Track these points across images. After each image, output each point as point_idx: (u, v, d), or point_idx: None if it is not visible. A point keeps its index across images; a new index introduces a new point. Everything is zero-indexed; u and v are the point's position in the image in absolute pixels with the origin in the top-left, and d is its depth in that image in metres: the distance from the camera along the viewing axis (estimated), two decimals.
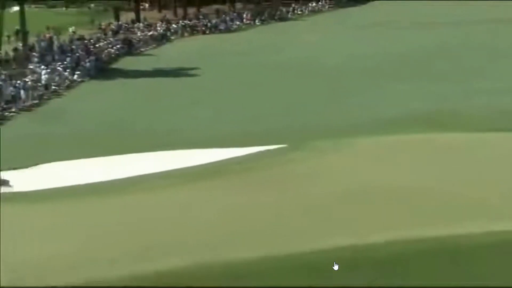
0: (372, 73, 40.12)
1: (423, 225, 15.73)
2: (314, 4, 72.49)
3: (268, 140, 26.26)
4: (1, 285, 8.47)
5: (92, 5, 66.02)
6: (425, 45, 47.35)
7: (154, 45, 55.11)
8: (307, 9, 71.08)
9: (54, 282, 13.65)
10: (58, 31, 54.28)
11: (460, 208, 16.83)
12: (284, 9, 70.09)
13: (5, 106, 35.35)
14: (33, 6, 67.74)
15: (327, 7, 72.20)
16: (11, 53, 46.23)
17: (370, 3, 73.56)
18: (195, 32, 60.61)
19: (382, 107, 32.45)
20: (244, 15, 66.53)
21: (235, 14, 67.05)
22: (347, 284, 12.98)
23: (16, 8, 53.15)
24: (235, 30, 62.50)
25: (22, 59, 45.39)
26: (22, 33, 49.03)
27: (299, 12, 70.10)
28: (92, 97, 38.69)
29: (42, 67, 41.87)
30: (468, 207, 16.81)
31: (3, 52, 46.14)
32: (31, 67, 42.54)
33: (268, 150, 24.89)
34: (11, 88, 37.14)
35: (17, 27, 50.18)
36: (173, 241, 15.82)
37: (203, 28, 61.47)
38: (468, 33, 51.30)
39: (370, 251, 14.57)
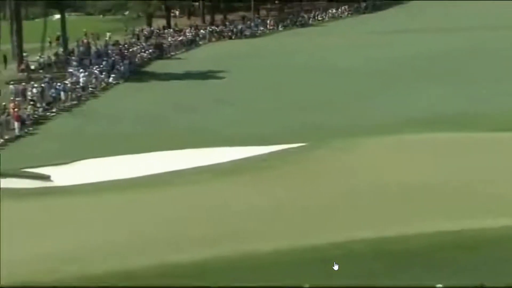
0: (384, 75, 39.81)
1: (438, 219, 15.63)
2: (334, 11, 72.01)
3: (290, 139, 26.23)
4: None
5: (127, 12, 66.19)
6: (434, 48, 46.44)
7: (183, 50, 55.24)
8: (327, 15, 70.65)
9: (97, 267, 13.80)
10: (96, 37, 54.75)
11: (478, 203, 16.73)
12: (305, 16, 69.80)
13: (47, 106, 35.68)
14: (73, 14, 68.36)
15: (346, 13, 71.69)
16: (53, 58, 46.72)
17: (387, 10, 73.00)
18: (222, 37, 60.61)
19: (394, 107, 32.25)
20: (268, 22, 66.44)
21: (259, 20, 66.95)
22: (366, 273, 12.93)
23: (57, 16, 53.73)
24: (259, 35, 62.41)
25: (62, 63, 45.84)
26: (63, 39, 49.53)
27: (320, 19, 69.68)
28: (126, 98, 38.91)
29: (81, 70, 42.20)
30: (485, 203, 16.71)
31: (45, 56, 46.64)
32: (71, 70, 42.86)
33: (290, 148, 24.91)
34: (52, 90, 37.48)
35: (58, 33, 50.69)
36: (199, 232, 15.93)
37: (230, 34, 61.47)
38: (483, 38, 50.16)
39: (384, 244, 14.51)
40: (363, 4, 74.72)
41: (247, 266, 13.74)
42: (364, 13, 72.10)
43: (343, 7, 73.06)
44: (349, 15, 71.41)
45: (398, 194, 17.98)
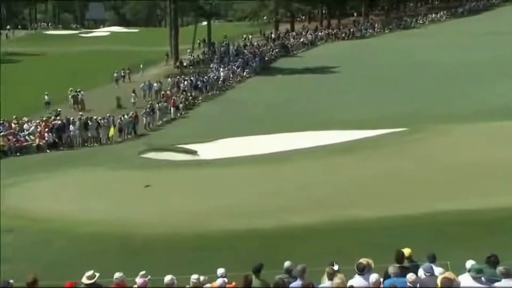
0: (473, 72, 37.39)
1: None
2: (433, 15, 68.95)
3: (393, 124, 25.44)
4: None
5: (264, 18, 66.56)
6: None
7: (304, 49, 55.06)
8: (427, 19, 67.71)
9: (225, 225, 14.11)
10: (235, 39, 55.73)
11: None
12: (408, 19, 67.34)
13: (194, 95, 36.81)
14: (216, 21, 69.86)
15: (444, 17, 68.31)
16: (200, 56, 48.14)
17: (481, 14, 68.64)
18: (336, 38, 59.81)
19: (480, 99, 30.18)
20: (376, 25, 64.72)
21: (368, 24, 65.41)
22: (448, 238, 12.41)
23: (204, 23, 55.20)
24: (368, 37, 60.95)
25: (207, 60, 47.12)
26: (208, 41, 50.85)
27: (421, 22, 66.88)
28: (257, 89, 39.32)
29: (221, 66, 43.15)
30: None
31: (195, 55, 48.14)
32: (214, 66, 43.93)
33: (394, 132, 24.21)
34: (199, 82, 38.60)
35: (204, 36, 52.10)
36: (320, 199, 15.88)
37: (343, 35, 60.53)
38: None
39: (470, 215, 13.84)
40: (460, 9, 70.99)
41: (350, 228, 13.53)
42: (460, 17, 68.32)
43: (442, 12, 69.78)
44: (447, 18, 67.95)
45: (482, 171, 17.12)
